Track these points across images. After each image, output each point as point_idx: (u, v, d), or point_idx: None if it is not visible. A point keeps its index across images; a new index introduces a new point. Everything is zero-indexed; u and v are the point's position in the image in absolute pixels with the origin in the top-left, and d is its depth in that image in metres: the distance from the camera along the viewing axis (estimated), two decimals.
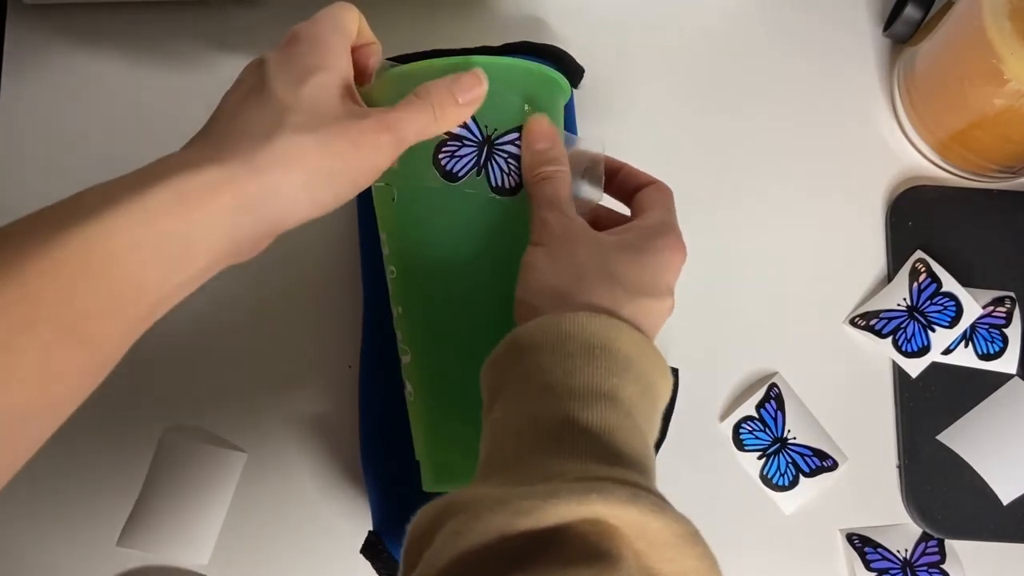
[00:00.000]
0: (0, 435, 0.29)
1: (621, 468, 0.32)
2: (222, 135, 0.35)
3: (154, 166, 0.33)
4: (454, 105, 0.39)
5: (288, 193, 0.34)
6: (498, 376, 0.36)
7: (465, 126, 0.42)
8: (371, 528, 0.49)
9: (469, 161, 0.42)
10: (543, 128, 0.42)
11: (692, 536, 0.31)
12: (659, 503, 0.30)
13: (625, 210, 0.43)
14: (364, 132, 0.36)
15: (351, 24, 0.39)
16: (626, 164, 0.44)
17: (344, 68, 0.38)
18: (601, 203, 0.44)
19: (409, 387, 0.45)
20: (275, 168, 0.34)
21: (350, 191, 0.37)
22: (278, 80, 0.36)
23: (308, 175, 0.34)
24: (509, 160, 0.43)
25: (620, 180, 0.44)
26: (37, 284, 0.29)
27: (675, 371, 0.53)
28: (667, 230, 0.40)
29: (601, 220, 0.43)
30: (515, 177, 0.43)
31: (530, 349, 0.35)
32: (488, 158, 0.42)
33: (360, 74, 0.41)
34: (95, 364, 0.33)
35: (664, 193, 0.42)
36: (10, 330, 0.28)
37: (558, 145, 0.41)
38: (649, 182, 0.43)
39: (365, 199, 0.53)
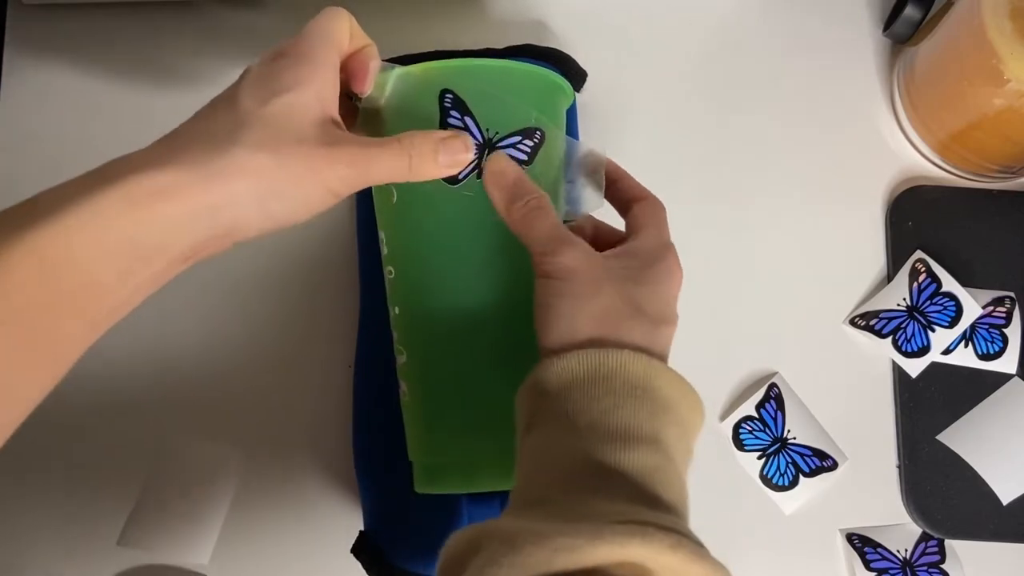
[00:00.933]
0: None
1: (661, 512, 0.32)
2: (182, 140, 0.35)
3: (109, 166, 0.33)
4: (433, 162, 0.39)
5: (240, 204, 0.34)
6: (536, 403, 0.36)
7: (467, 129, 0.42)
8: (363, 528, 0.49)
9: (470, 164, 0.42)
10: (503, 164, 0.40)
11: None
12: (699, 550, 0.30)
13: (619, 219, 0.43)
14: (328, 161, 0.36)
15: (341, 34, 0.39)
16: (625, 174, 0.44)
17: (325, 87, 0.37)
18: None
19: (404, 387, 0.45)
20: (225, 179, 0.33)
21: (305, 212, 0.36)
22: (249, 93, 0.36)
23: (260, 191, 0.34)
24: None
25: (616, 191, 0.43)
26: None
27: None
28: (666, 251, 0.39)
29: (602, 236, 0.43)
30: None
31: (572, 384, 0.35)
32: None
33: (359, 79, 0.41)
34: (50, 367, 0.32)
35: (658, 210, 0.42)
36: None
37: (524, 176, 0.40)
38: (643, 196, 0.42)
39: (364, 199, 0.53)
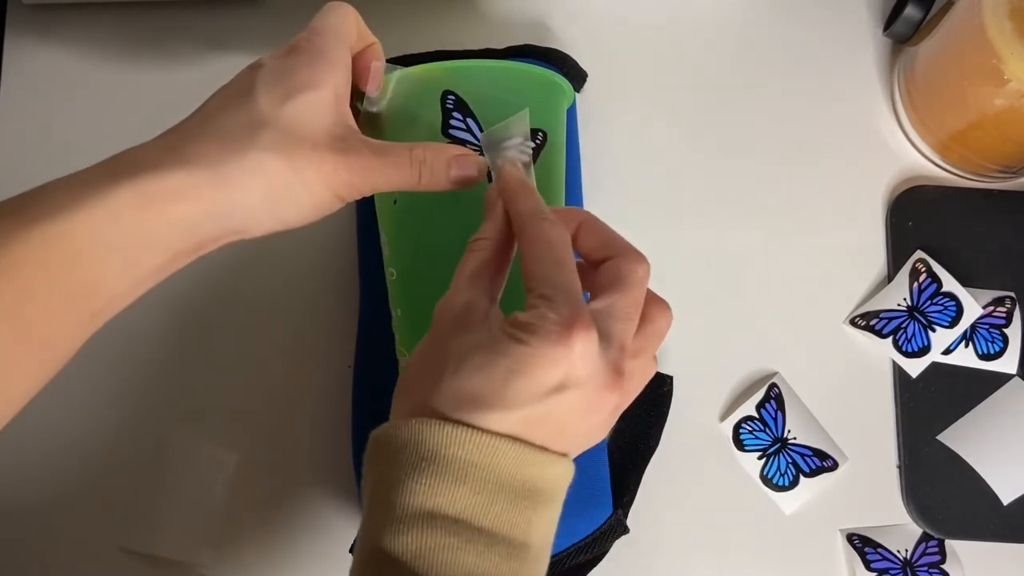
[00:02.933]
0: None
1: None
2: (195, 135, 0.34)
3: (120, 161, 0.32)
4: (444, 177, 0.38)
5: (251, 207, 0.34)
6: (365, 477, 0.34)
7: (468, 130, 0.42)
8: None
9: None
10: (488, 200, 0.37)
11: None
12: None
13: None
14: (341, 169, 0.35)
15: (351, 31, 0.38)
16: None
17: (340, 85, 0.37)
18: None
19: None
20: (240, 182, 0.33)
21: (313, 215, 0.36)
22: (265, 91, 0.35)
23: (272, 194, 0.34)
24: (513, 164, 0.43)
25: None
26: None
27: (669, 377, 0.53)
28: (546, 332, 0.31)
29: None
30: None
31: (374, 459, 0.32)
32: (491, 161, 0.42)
33: (366, 79, 0.41)
34: (48, 361, 0.32)
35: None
36: None
37: (495, 216, 0.36)
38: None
39: (365, 201, 0.53)
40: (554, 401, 0.31)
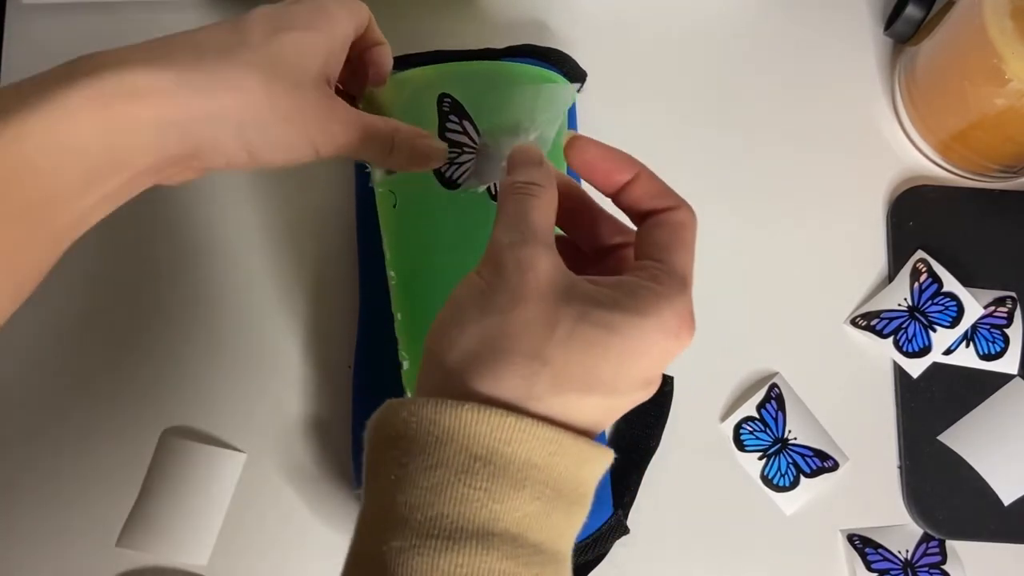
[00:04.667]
0: None
1: None
2: (170, 44, 0.32)
3: (78, 62, 0.30)
4: (408, 157, 0.38)
5: (219, 124, 0.32)
6: (370, 455, 0.28)
7: (465, 133, 0.42)
8: None
9: (469, 168, 0.42)
10: (529, 153, 0.33)
11: None
12: None
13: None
14: (319, 113, 0.34)
15: (361, 15, 0.38)
16: (642, 169, 0.32)
17: (334, 44, 0.36)
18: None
19: (409, 395, 0.45)
20: (209, 91, 0.31)
21: (281, 156, 0.34)
22: (258, 23, 0.34)
23: (243, 115, 0.32)
24: None
25: (631, 193, 0.32)
26: None
27: (670, 378, 0.53)
28: (669, 301, 0.28)
29: (592, 231, 0.34)
30: None
31: (399, 441, 0.27)
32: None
33: (377, 70, 0.40)
34: (11, 284, 0.30)
35: (686, 230, 0.31)
36: None
37: (546, 168, 0.32)
38: (670, 206, 0.31)
39: (364, 201, 0.53)
40: (642, 392, 0.29)
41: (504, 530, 0.25)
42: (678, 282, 0.29)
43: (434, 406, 0.26)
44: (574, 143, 0.32)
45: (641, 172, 0.32)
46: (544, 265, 0.28)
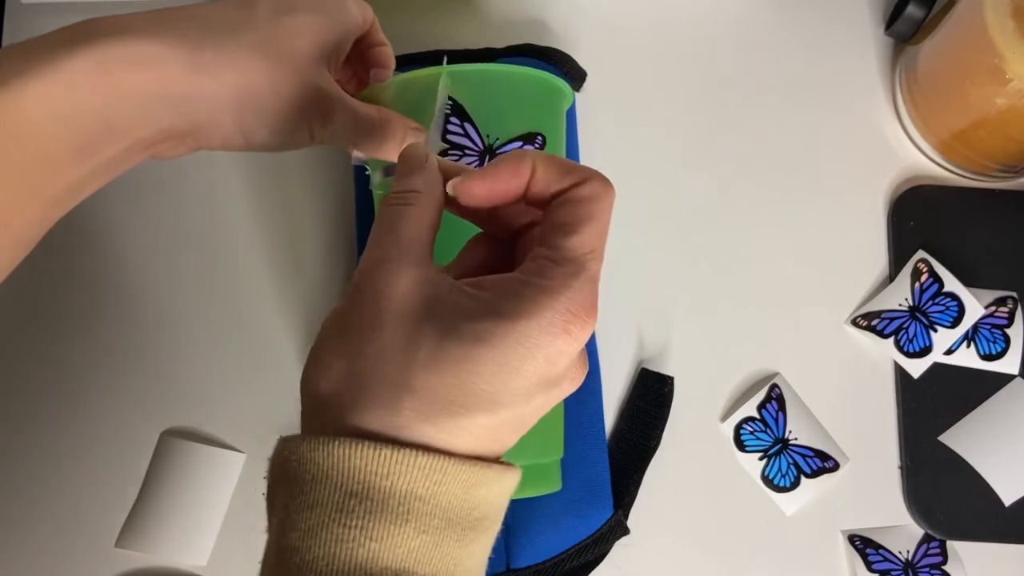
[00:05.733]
0: None
1: None
2: (175, 16, 0.32)
3: (81, 27, 0.30)
4: (399, 148, 0.38)
5: (217, 101, 0.31)
6: (267, 496, 0.27)
7: (467, 135, 0.42)
8: None
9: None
10: (411, 157, 0.30)
11: None
12: None
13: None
14: (319, 97, 0.34)
15: (367, 8, 0.38)
16: (535, 158, 0.28)
17: (338, 28, 0.36)
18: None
19: None
20: (211, 68, 0.31)
21: (277, 139, 0.34)
22: (267, 2, 0.34)
23: (241, 94, 0.32)
24: None
25: (534, 187, 0.28)
26: None
27: (670, 378, 0.53)
28: (553, 297, 0.25)
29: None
30: None
31: (284, 481, 0.25)
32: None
33: (378, 75, 0.41)
34: (7, 246, 0.29)
35: (591, 203, 0.27)
36: None
37: (428, 171, 0.29)
38: (574, 182, 0.28)
39: (365, 204, 0.53)
40: (544, 398, 0.26)
41: (385, 568, 0.23)
42: (571, 269, 0.26)
43: (308, 444, 0.24)
44: (459, 192, 0.28)
45: (536, 161, 0.28)
46: (404, 283, 0.26)
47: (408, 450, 0.24)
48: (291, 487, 0.25)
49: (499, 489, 0.26)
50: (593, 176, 0.28)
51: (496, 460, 0.26)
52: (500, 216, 0.30)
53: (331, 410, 0.25)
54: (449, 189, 0.28)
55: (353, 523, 0.23)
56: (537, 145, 0.44)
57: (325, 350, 0.26)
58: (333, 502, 0.24)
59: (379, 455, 0.24)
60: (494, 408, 0.25)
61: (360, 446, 0.24)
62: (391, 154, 0.39)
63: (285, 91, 0.33)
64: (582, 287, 0.25)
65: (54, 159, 0.29)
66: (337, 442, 0.24)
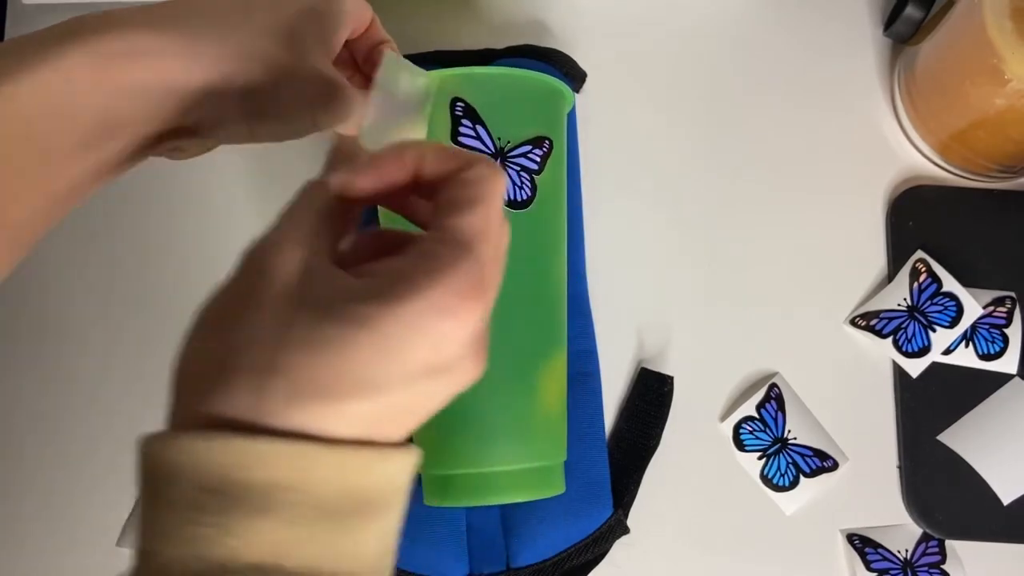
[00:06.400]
0: None
1: None
2: (177, 8, 0.31)
3: (77, 21, 0.29)
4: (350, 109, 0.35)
5: (216, 95, 0.30)
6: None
7: (479, 138, 0.42)
8: None
9: None
10: (338, 152, 0.31)
11: None
12: None
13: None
14: (323, 83, 0.33)
15: (363, 6, 0.37)
16: (424, 148, 0.28)
17: (339, 14, 0.35)
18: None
19: None
20: (215, 60, 0.30)
21: (283, 128, 0.32)
22: None
23: (247, 87, 0.31)
24: (521, 173, 0.43)
25: (424, 176, 0.28)
26: None
27: (670, 378, 0.53)
28: (435, 279, 0.24)
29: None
30: (527, 190, 0.43)
31: (142, 482, 0.24)
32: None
33: (372, 64, 0.40)
34: (7, 246, 0.29)
35: (477, 185, 0.26)
36: None
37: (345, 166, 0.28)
38: (460, 166, 0.27)
39: (369, 209, 0.53)
40: (432, 384, 0.25)
41: (246, 565, 0.22)
42: (456, 249, 0.25)
43: (160, 441, 0.23)
44: (344, 187, 0.27)
45: (422, 150, 0.27)
46: (286, 265, 0.25)
47: (266, 439, 0.22)
48: (147, 488, 0.23)
49: (385, 470, 0.24)
50: (480, 159, 0.27)
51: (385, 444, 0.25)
52: (410, 202, 0.29)
53: (194, 395, 0.24)
54: (333, 186, 0.27)
55: (208, 521, 0.22)
56: (545, 149, 0.44)
57: (197, 330, 0.25)
58: (186, 500, 0.22)
59: (233, 446, 0.22)
60: (371, 394, 0.23)
61: (213, 438, 0.22)
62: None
63: (286, 78, 0.32)
64: (469, 268, 0.24)
65: (53, 155, 0.28)
66: (187, 436, 0.22)
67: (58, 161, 0.28)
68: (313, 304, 0.24)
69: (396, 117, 0.35)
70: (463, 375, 0.25)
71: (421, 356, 0.24)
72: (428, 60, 0.54)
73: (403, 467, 0.25)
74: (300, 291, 0.24)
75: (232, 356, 0.23)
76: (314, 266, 0.25)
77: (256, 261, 0.25)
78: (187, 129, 0.32)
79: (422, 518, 0.47)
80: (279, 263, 0.25)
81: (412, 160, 0.27)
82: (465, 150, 0.28)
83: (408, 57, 0.54)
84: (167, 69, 0.29)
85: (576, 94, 0.57)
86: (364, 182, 0.27)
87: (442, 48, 0.55)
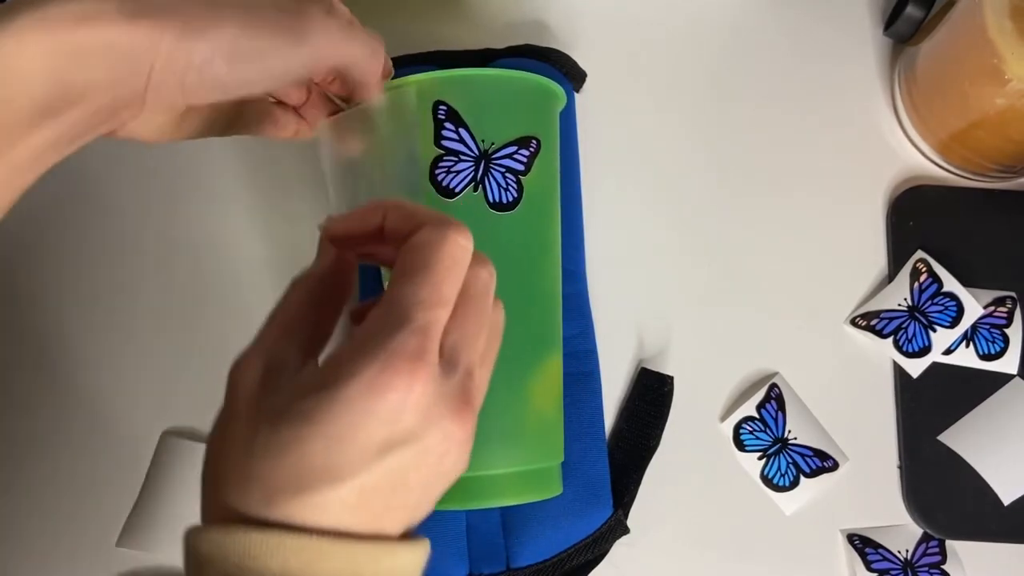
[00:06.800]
0: None
1: None
2: None
3: None
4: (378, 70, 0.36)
5: (163, 56, 0.29)
6: None
7: (462, 141, 0.42)
8: None
9: (466, 177, 0.42)
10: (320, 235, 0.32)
11: None
12: None
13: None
14: (311, 31, 0.32)
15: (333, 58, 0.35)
16: (388, 207, 0.29)
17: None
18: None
19: None
20: (153, 20, 0.28)
21: (241, 75, 0.31)
22: None
23: (188, 45, 0.29)
24: (507, 175, 0.43)
25: (387, 233, 0.30)
26: None
27: (670, 378, 0.53)
28: (369, 357, 0.25)
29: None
30: (512, 192, 0.42)
31: (186, 567, 0.27)
32: (485, 173, 0.42)
33: (368, 88, 0.39)
34: None
35: (421, 251, 0.27)
36: None
37: (320, 250, 0.32)
38: (411, 229, 0.28)
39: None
40: (394, 462, 0.25)
41: None
42: (392, 322, 0.26)
43: (195, 533, 0.26)
44: (325, 230, 0.31)
45: (387, 211, 0.29)
46: (250, 374, 0.28)
47: (276, 532, 0.25)
48: (188, 572, 0.26)
49: (396, 564, 0.26)
50: (429, 221, 0.28)
51: (400, 536, 0.27)
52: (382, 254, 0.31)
53: (215, 491, 0.27)
54: (320, 226, 0.31)
55: None
56: (532, 149, 0.44)
57: (211, 433, 0.28)
58: None
59: (244, 539, 0.25)
60: (335, 481, 0.25)
61: (231, 532, 0.25)
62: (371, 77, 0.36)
63: (246, 34, 0.30)
64: (405, 339, 0.25)
65: (11, 122, 0.28)
66: (214, 529, 0.25)
67: (16, 130, 0.28)
68: (269, 410, 0.26)
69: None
70: (441, 440, 0.26)
71: (375, 433, 0.25)
72: (428, 60, 0.54)
73: (412, 560, 0.27)
74: (259, 401, 0.27)
75: (221, 461, 0.27)
76: (273, 373, 0.27)
77: (230, 375, 0.29)
78: (141, 97, 0.30)
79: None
80: (241, 378, 0.28)
81: (377, 216, 0.29)
82: (424, 209, 0.29)
83: (408, 57, 0.54)
84: (109, 30, 0.28)
85: (576, 94, 0.57)
86: (338, 229, 0.30)
87: (441, 48, 0.55)
